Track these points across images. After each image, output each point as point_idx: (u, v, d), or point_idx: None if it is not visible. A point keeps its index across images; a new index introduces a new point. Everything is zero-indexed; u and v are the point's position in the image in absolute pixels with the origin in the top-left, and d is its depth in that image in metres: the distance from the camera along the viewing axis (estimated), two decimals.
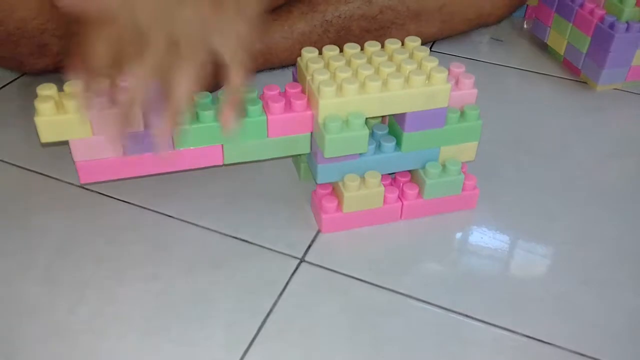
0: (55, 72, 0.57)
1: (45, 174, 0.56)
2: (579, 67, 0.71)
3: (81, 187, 0.54)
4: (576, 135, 0.63)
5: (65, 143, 0.44)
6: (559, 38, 0.74)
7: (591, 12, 0.66)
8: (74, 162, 0.45)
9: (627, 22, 0.64)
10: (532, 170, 0.59)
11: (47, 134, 0.43)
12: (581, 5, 0.68)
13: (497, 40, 0.80)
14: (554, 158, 0.60)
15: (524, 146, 0.62)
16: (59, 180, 0.55)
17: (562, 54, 0.73)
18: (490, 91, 0.69)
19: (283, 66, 0.70)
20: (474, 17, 0.73)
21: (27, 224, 0.51)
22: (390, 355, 0.42)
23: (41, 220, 0.51)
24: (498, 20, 0.75)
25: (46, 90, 0.43)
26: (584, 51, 0.69)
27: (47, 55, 0.54)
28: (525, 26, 0.83)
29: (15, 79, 0.69)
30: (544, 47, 0.78)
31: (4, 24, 0.51)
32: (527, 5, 0.83)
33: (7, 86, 0.68)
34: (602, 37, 0.65)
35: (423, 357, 0.42)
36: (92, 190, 0.54)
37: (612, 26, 0.64)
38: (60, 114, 0.42)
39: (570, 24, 0.70)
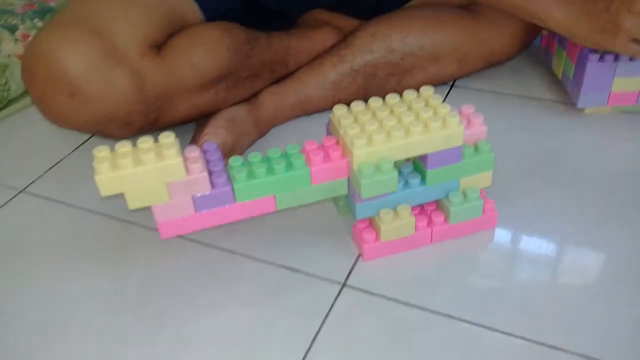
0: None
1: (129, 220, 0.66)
2: (568, 91, 0.79)
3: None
4: (577, 157, 0.71)
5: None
6: (558, 65, 0.82)
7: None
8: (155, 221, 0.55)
9: (603, 53, 0.72)
10: (543, 190, 0.66)
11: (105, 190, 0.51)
12: None
13: (517, 71, 0.87)
14: (561, 179, 0.68)
15: (535, 170, 0.69)
16: (139, 225, 0.65)
17: (559, 77, 0.81)
18: (496, 118, 0.77)
19: (318, 111, 0.79)
20: (486, 56, 0.81)
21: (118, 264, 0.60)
22: None
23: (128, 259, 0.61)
24: (509, 58, 0.83)
25: (100, 152, 0.51)
26: (571, 77, 0.77)
27: (131, 129, 0.64)
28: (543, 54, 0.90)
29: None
30: (552, 73, 0.85)
31: (97, 109, 0.60)
32: (542, 34, 0.89)
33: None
34: (581, 65, 0.73)
35: None
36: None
37: (587, 56, 0.72)
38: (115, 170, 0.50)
39: (564, 52, 0.79)
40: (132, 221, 0.66)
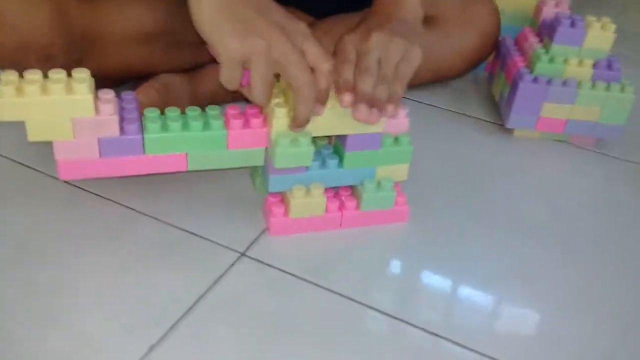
0: None
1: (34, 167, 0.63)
2: (500, 112, 0.81)
3: (61, 181, 0.61)
4: (495, 174, 0.72)
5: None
6: (497, 87, 0.84)
7: (515, 64, 0.77)
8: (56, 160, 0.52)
9: (537, 76, 0.74)
10: (457, 198, 0.68)
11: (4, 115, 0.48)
12: (512, 58, 0.79)
13: (458, 90, 0.89)
14: (476, 191, 0.69)
15: (453, 179, 0.70)
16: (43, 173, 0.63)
17: (496, 99, 0.84)
18: (430, 131, 0.79)
19: None
20: (434, 70, 0.81)
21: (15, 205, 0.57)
22: (296, 335, 0.49)
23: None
24: (458, 75, 0.84)
25: (8, 76, 0.48)
26: (505, 97, 0.79)
27: (53, 65, 0.61)
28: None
29: None
30: (492, 97, 0.87)
31: (17, 36, 0.58)
32: (488, 60, 0.91)
33: None
34: (515, 85, 0.75)
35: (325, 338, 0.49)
36: (71, 184, 0.61)
37: (521, 76, 0.74)
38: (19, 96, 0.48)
39: (503, 73, 0.81)
40: (37, 169, 0.63)
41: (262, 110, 0.55)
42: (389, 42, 0.55)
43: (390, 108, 0.54)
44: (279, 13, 0.52)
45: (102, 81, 0.53)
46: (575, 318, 0.54)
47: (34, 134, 0.50)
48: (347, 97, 0.52)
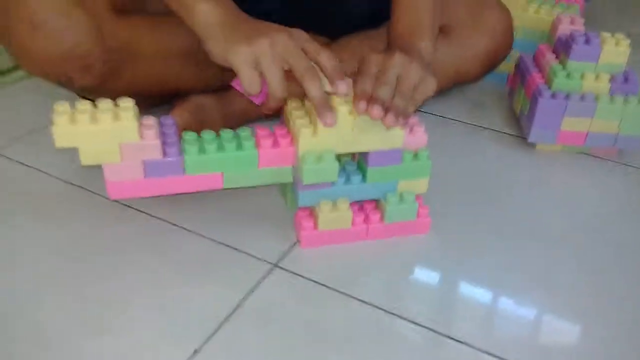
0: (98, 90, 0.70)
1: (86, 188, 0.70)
2: (521, 126, 0.83)
3: (110, 200, 0.67)
4: (517, 186, 0.75)
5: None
6: (517, 102, 0.87)
7: (533, 80, 0.80)
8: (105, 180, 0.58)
9: (555, 91, 0.77)
10: (480, 210, 0.70)
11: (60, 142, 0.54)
12: (530, 74, 0.81)
13: (480, 105, 0.92)
14: (499, 203, 0.72)
15: (476, 192, 0.73)
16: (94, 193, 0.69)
17: (517, 114, 0.86)
18: (453, 144, 0.82)
19: None
20: (452, 76, 0.85)
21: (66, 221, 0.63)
22: (328, 343, 0.53)
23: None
24: (475, 79, 0.87)
25: (61, 106, 0.54)
26: (526, 112, 0.82)
27: (92, 75, 0.67)
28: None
29: None
30: (512, 111, 0.90)
31: (58, 46, 0.64)
32: (508, 74, 0.95)
33: None
34: (534, 101, 0.78)
35: (356, 347, 0.53)
36: (119, 202, 0.67)
37: (540, 92, 0.77)
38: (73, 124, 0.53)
39: (523, 89, 0.84)
40: (88, 188, 0.69)
41: (287, 116, 0.60)
42: (410, 63, 0.59)
43: (400, 120, 0.57)
44: (278, 25, 0.59)
45: (135, 97, 0.58)
46: (599, 326, 0.56)
47: (86, 159, 0.56)
48: (362, 105, 0.55)
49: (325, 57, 0.57)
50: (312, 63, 0.57)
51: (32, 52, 0.64)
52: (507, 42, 0.85)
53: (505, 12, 0.84)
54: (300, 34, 0.58)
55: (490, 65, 0.86)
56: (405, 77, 0.58)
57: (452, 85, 0.87)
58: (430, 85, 0.60)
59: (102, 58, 0.66)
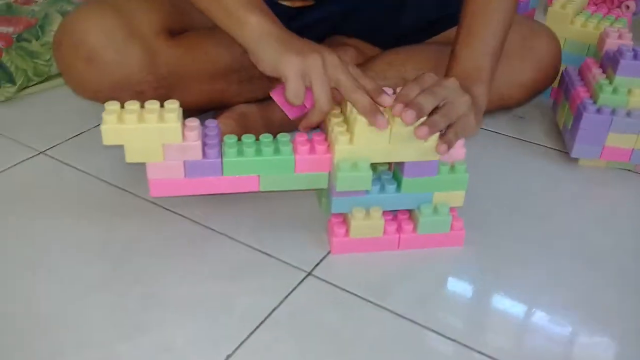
0: None
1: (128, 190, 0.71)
2: (565, 141, 0.82)
3: (150, 202, 0.69)
4: (558, 202, 0.74)
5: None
6: (561, 116, 0.85)
7: (578, 95, 0.78)
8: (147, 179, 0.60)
9: (600, 106, 0.75)
10: (518, 225, 0.70)
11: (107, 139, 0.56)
12: (575, 88, 0.80)
13: (520, 117, 0.91)
14: (538, 219, 0.71)
15: (515, 206, 0.72)
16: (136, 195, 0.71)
17: (560, 128, 0.85)
18: (493, 157, 0.81)
19: None
20: (495, 100, 0.83)
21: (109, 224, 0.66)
22: (358, 354, 0.53)
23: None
24: (518, 104, 0.86)
25: (111, 105, 0.57)
26: (569, 127, 0.80)
27: (142, 100, 0.70)
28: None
29: None
30: (556, 124, 0.88)
31: (111, 74, 0.67)
32: (552, 87, 0.93)
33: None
34: (579, 115, 0.77)
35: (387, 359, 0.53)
36: (158, 206, 0.69)
37: (585, 107, 0.75)
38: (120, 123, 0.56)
39: (567, 103, 0.82)
40: (130, 191, 0.71)
41: (326, 124, 0.61)
42: (463, 94, 0.60)
43: (442, 143, 0.57)
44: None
45: (184, 111, 0.60)
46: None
47: (131, 156, 0.58)
48: (398, 107, 0.56)
49: (367, 81, 0.59)
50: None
51: (86, 81, 0.67)
52: (554, 73, 0.85)
53: (555, 42, 0.83)
54: (345, 58, 0.60)
55: (534, 93, 0.85)
56: (453, 103, 0.59)
57: (494, 110, 0.86)
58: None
59: (154, 85, 0.69)
